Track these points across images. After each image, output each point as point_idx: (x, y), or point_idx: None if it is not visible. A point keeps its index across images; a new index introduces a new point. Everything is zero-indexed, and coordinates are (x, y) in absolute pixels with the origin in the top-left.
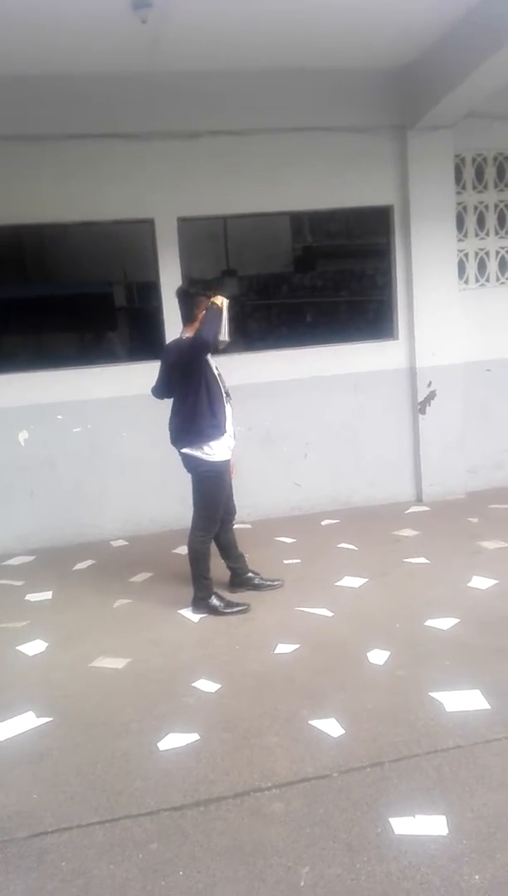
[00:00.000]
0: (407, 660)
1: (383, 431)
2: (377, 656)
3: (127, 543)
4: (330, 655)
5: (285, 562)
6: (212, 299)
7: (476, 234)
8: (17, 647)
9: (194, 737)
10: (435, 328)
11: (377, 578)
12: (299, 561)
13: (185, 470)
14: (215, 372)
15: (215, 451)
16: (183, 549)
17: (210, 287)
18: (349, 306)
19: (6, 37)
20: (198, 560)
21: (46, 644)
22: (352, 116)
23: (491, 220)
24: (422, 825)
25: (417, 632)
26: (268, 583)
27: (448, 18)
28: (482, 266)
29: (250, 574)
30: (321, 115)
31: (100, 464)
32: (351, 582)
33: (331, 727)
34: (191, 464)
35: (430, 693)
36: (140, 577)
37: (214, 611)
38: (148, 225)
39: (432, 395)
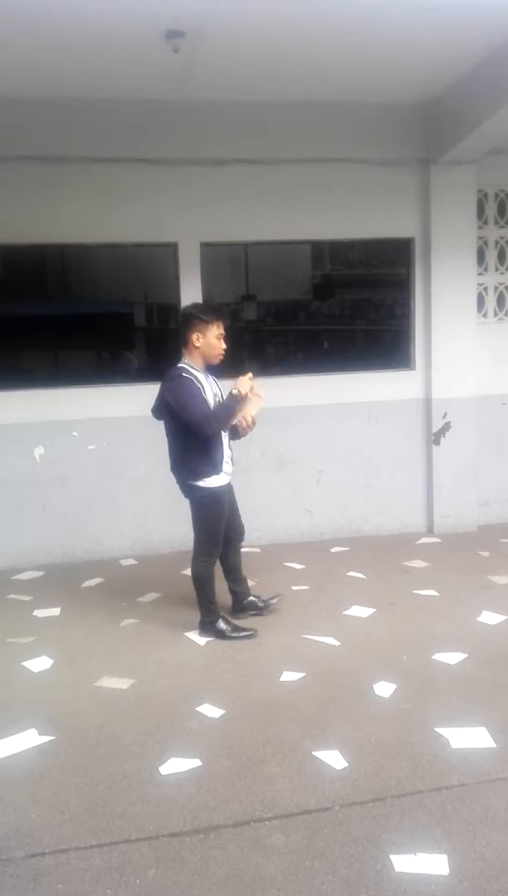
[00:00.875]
0: (413, 693)
1: (396, 461)
2: (384, 688)
3: (136, 563)
4: (336, 685)
5: (294, 588)
6: (238, 384)
7: (497, 269)
8: (23, 663)
9: (196, 762)
10: (452, 360)
11: (386, 609)
12: (307, 588)
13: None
14: (216, 399)
15: (212, 479)
16: None
17: (220, 311)
18: (367, 335)
19: (40, 60)
20: (202, 585)
21: (52, 661)
22: (376, 149)
23: None
24: (423, 864)
25: (424, 665)
26: (269, 602)
27: (474, 58)
28: (501, 300)
29: (251, 598)
30: (346, 148)
31: (112, 482)
32: (359, 611)
33: (334, 759)
34: (187, 490)
35: (436, 728)
36: (148, 598)
37: (220, 635)
38: (171, 249)
39: (447, 427)
